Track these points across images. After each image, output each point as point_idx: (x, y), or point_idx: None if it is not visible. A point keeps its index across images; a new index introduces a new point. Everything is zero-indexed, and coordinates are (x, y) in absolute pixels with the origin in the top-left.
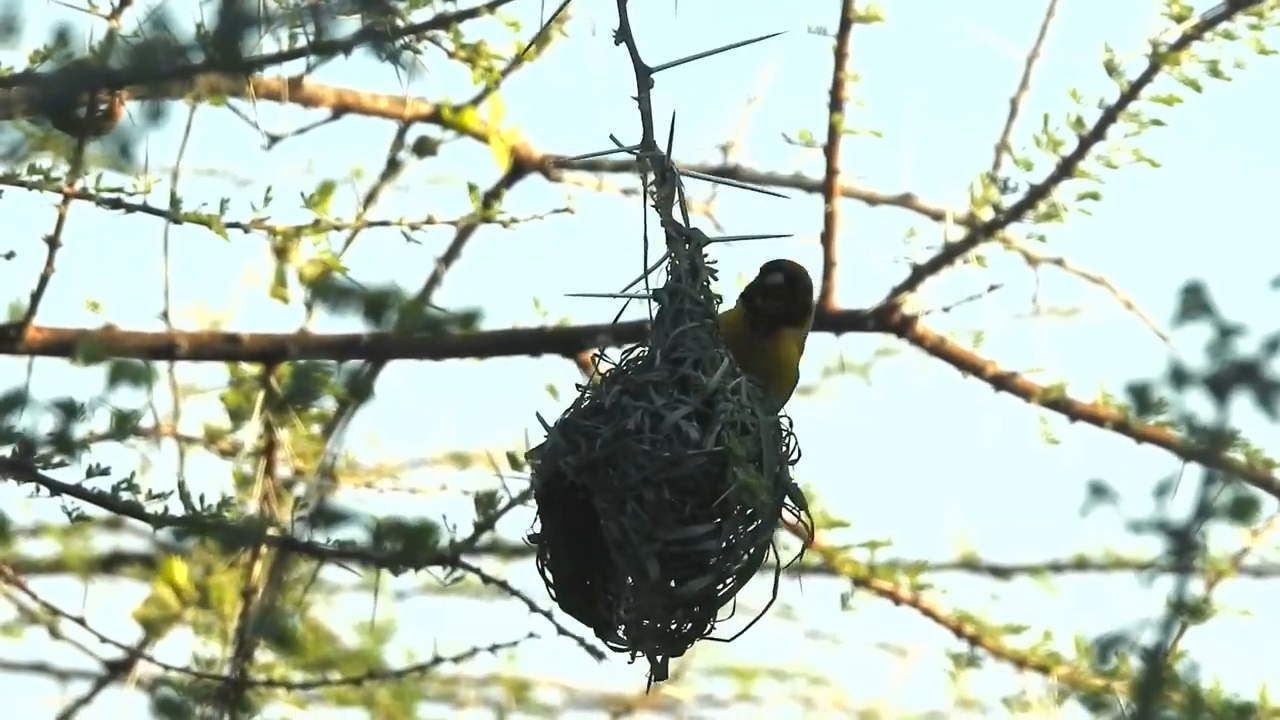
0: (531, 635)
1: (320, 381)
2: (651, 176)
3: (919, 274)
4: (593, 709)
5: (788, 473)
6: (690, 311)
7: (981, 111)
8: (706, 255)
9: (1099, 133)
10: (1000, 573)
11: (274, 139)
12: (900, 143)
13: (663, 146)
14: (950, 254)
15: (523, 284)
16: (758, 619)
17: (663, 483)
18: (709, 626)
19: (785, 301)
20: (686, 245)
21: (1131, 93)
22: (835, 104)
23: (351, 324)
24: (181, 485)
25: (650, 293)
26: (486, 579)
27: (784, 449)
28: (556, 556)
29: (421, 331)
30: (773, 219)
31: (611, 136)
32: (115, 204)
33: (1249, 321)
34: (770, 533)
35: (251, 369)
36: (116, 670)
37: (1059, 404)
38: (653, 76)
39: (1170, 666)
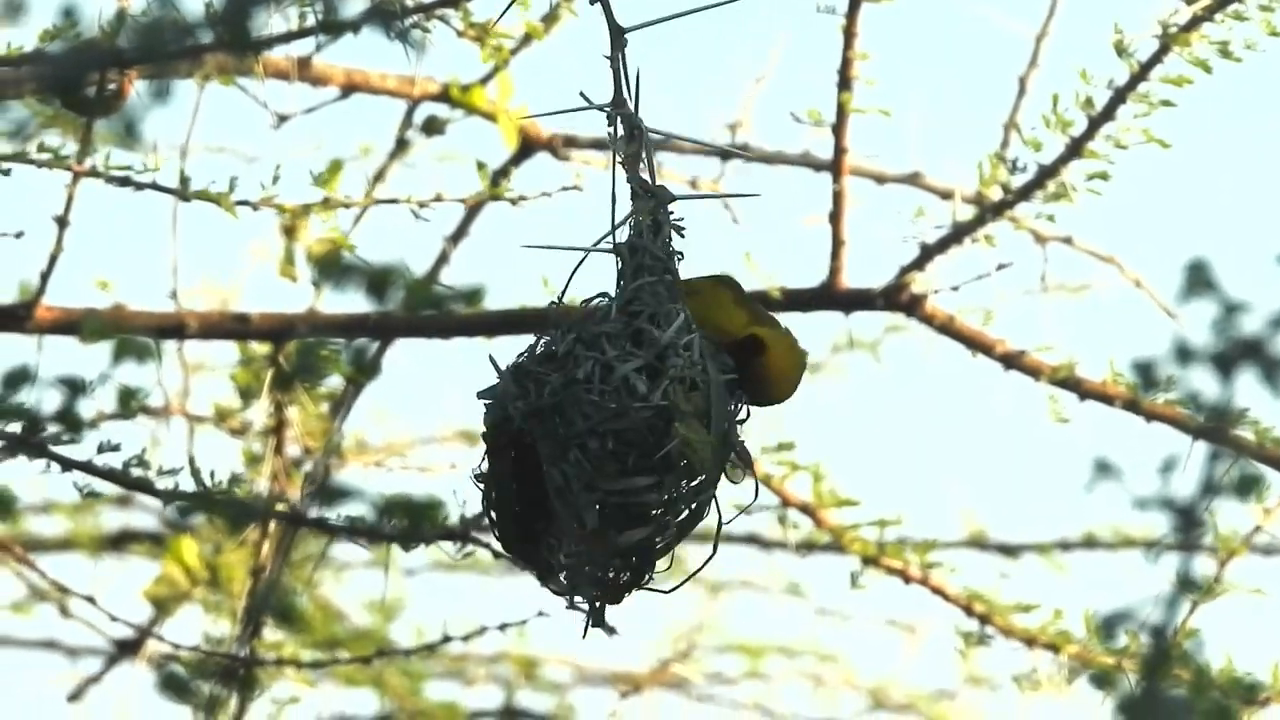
0: (541, 614)
1: (326, 359)
2: (620, 133)
3: (928, 253)
4: (602, 686)
5: (735, 432)
6: (650, 267)
7: (990, 90)
8: (672, 213)
9: (1108, 113)
10: (1009, 551)
11: (282, 118)
12: (909, 121)
13: (632, 106)
14: (959, 233)
15: (531, 263)
16: (695, 573)
17: (607, 433)
18: (646, 577)
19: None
20: (651, 202)
21: (1141, 73)
22: (844, 83)
23: (360, 303)
24: (192, 461)
25: (611, 247)
26: (497, 553)
27: (733, 408)
28: (502, 498)
29: (428, 309)
30: (778, 195)
31: (581, 94)
32: (124, 182)
33: (1256, 299)
34: (713, 490)
35: (261, 348)
36: (126, 648)
37: (1068, 382)
38: (626, 36)
39: (1177, 644)
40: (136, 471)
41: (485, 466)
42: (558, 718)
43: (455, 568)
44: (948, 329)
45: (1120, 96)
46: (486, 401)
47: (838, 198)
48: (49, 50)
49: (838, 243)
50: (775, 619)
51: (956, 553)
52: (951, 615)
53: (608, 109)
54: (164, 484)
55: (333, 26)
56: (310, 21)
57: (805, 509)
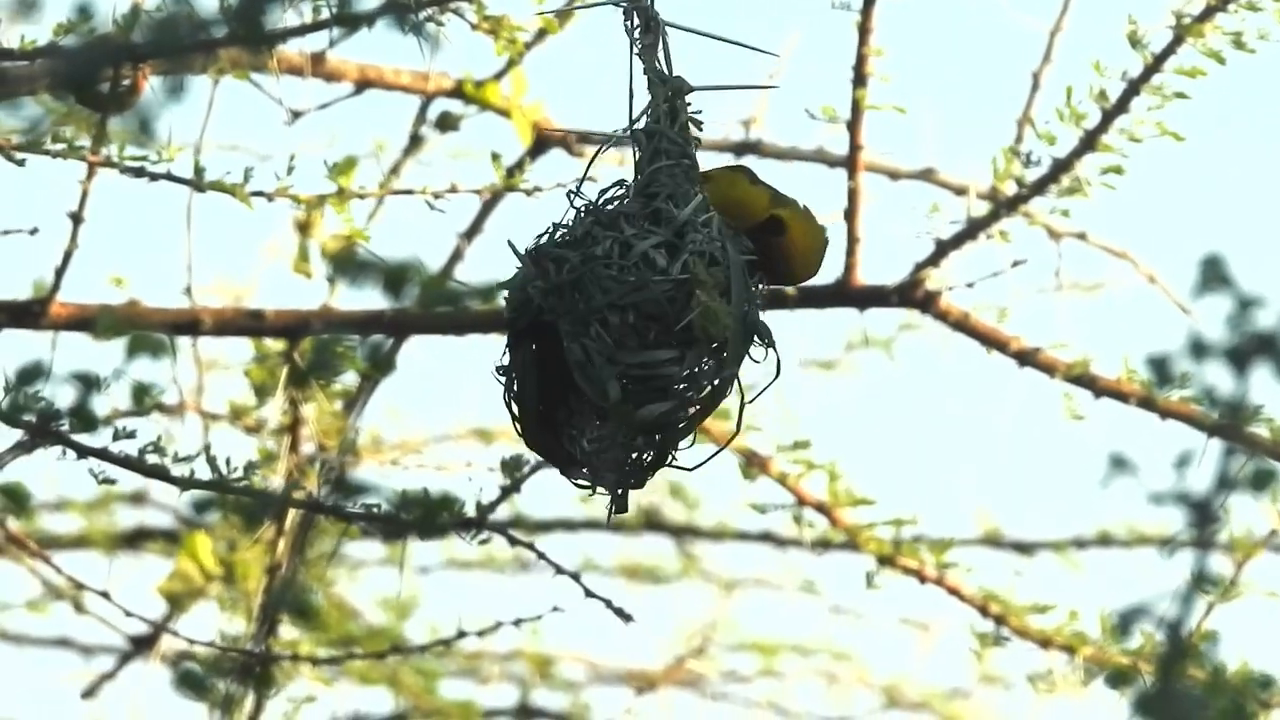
0: (556, 609)
1: (341, 355)
2: (637, 24)
3: (942, 249)
4: (617, 684)
5: (755, 311)
6: (667, 150)
7: (1004, 85)
8: (689, 104)
9: (1122, 106)
10: (1023, 549)
11: (296, 114)
12: (923, 117)
13: None
14: (973, 229)
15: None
16: (721, 450)
17: (627, 307)
18: (670, 456)
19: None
20: (667, 92)
21: (1155, 65)
22: (859, 79)
23: (374, 299)
24: (208, 449)
25: (629, 132)
26: (514, 540)
27: (753, 288)
28: (524, 389)
29: (443, 305)
30: (797, 193)
31: None
32: (139, 172)
33: (1271, 294)
34: (735, 367)
35: (275, 345)
36: (141, 645)
37: (1083, 379)
38: None
39: (1193, 642)
40: (152, 459)
41: (506, 359)
42: (573, 716)
43: (469, 565)
44: (962, 326)
45: (1134, 88)
46: (506, 293)
47: (852, 194)
48: (62, 45)
49: (852, 239)
50: (789, 617)
51: (971, 551)
52: (966, 614)
53: (623, 3)
54: (180, 472)
55: (347, 21)
56: (324, 16)
57: (820, 508)
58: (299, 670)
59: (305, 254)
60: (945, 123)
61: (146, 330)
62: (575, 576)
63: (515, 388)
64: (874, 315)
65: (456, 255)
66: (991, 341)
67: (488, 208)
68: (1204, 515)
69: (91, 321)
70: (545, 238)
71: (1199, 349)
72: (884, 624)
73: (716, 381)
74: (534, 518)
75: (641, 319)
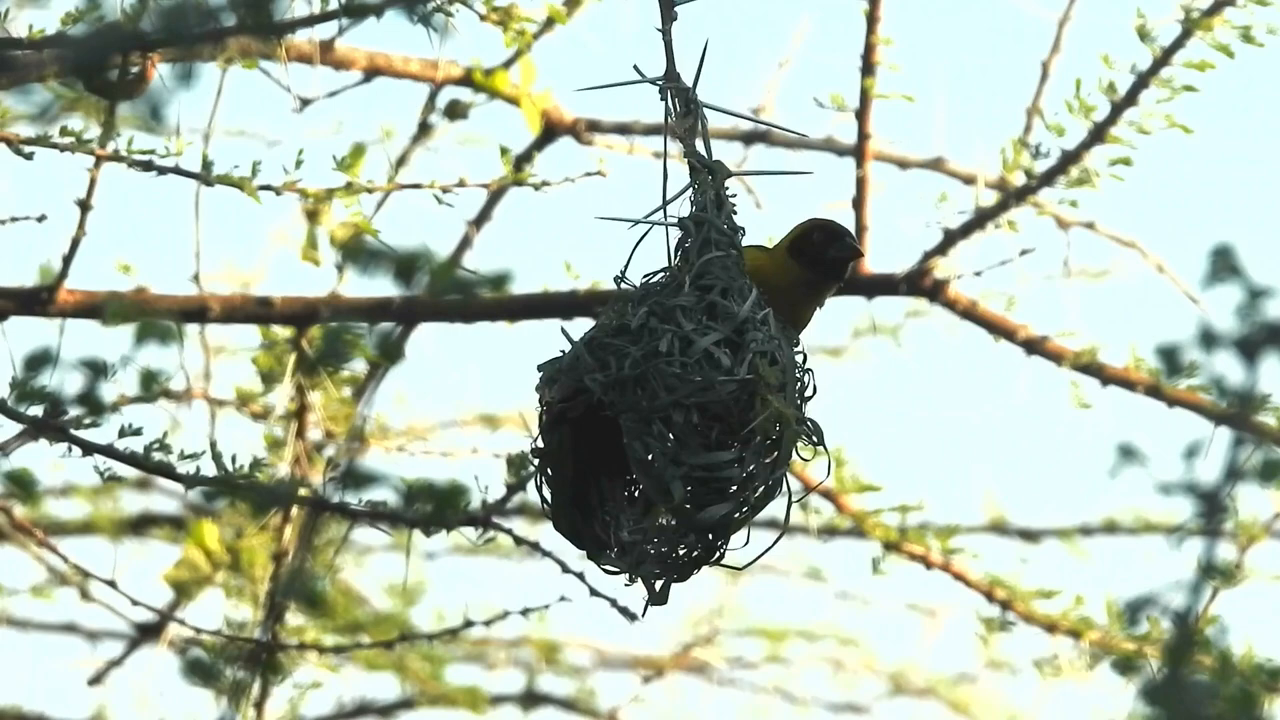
0: (563, 599)
1: (349, 343)
2: (675, 107)
3: (951, 238)
4: (623, 670)
5: (804, 408)
6: (716, 241)
7: (1013, 76)
8: (728, 189)
9: (1131, 98)
10: (1030, 536)
11: (305, 102)
12: (932, 107)
13: (688, 79)
14: (982, 218)
15: (554, 247)
16: (769, 549)
17: (692, 407)
18: (719, 554)
19: (845, 268)
20: (710, 177)
21: (1164, 58)
22: (867, 68)
23: (383, 287)
24: (214, 445)
25: (676, 220)
26: (519, 540)
27: (802, 384)
28: (558, 474)
29: (451, 293)
30: (804, 182)
31: (635, 67)
32: (148, 166)
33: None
34: (786, 466)
35: (283, 332)
36: (147, 633)
37: (1091, 368)
38: (676, 9)
39: (1200, 629)
40: (158, 456)
41: (540, 441)
42: (579, 702)
43: (475, 552)
44: (970, 314)
45: (1143, 81)
46: (548, 376)
47: (861, 183)
48: (71, 33)
49: (861, 228)
50: (796, 603)
51: (977, 537)
52: (972, 600)
53: (660, 82)
54: (186, 468)
55: (356, 10)
56: (333, 5)
57: (827, 494)
58: (306, 658)
59: (314, 242)
60: (954, 112)
61: (154, 317)
62: (580, 575)
63: (550, 471)
64: (882, 303)
65: (465, 243)
66: (999, 330)
67: (496, 196)
68: (1212, 505)
69: (99, 308)
70: (596, 329)
71: (1209, 339)
72: (890, 610)
73: (769, 482)
74: (540, 506)
75: (705, 419)
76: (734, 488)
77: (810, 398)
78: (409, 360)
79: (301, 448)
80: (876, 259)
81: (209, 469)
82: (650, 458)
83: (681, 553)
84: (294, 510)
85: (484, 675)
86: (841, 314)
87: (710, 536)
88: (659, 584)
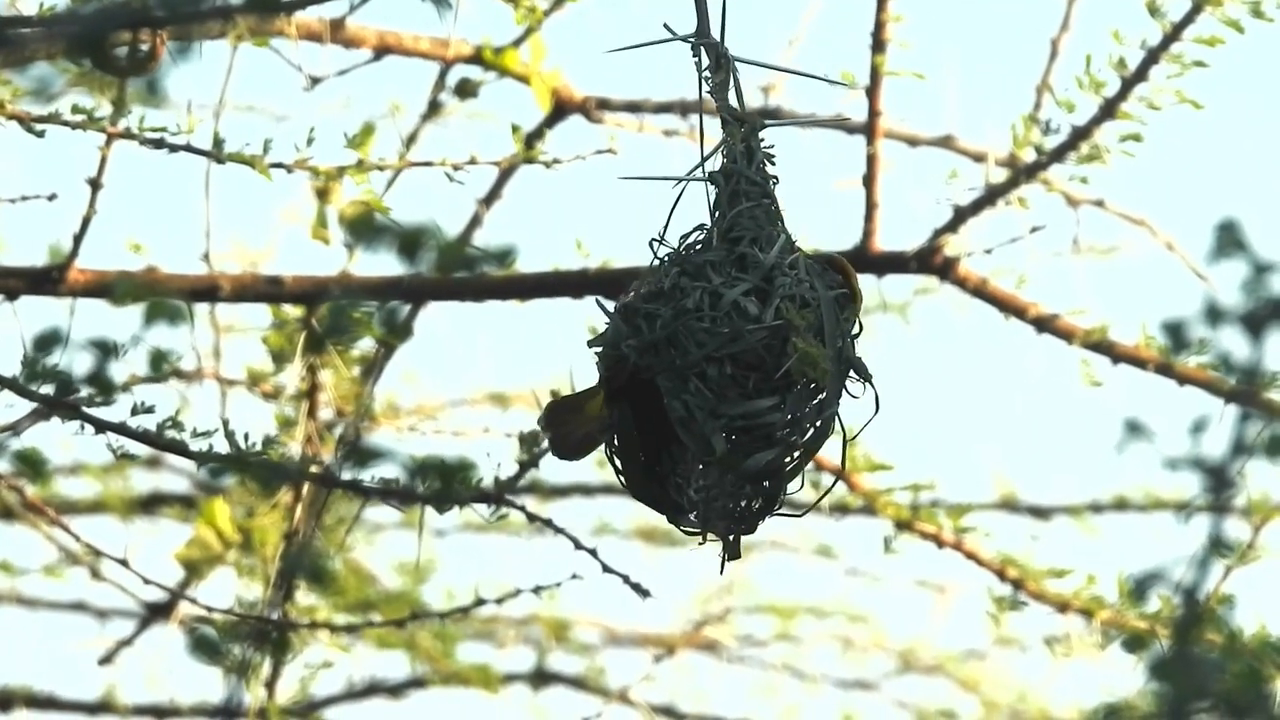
0: (575, 576)
1: (359, 321)
2: (706, 63)
3: (961, 216)
4: (633, 647)
5: (850, 346)
6: (746, 192)
7: (1022, 52)
8: (763, 140)
9: (1141, 74)
10: (1040, 513)
11: (315, 80)
12: (942, 83)
13: (716, 34)
14: (992, 196)
15: (565, 226)
16: (825, 494)
17: (724, 358)
18: (779, 502)
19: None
20: (741, 129)
21: (1174, 34)
22: (878, 46)
23: (390, 263)
24: (226, 423)
25: (706, 175)
26: (531, 516)
27: (845, 323)
28: (625, 445)
29: (460, 271)
30: (815, 160)
31: (665, 25)
32: (159, 144)
33: None
34: (835, 406)
35: (294, 311)
36: (158, 611)
37: (1101, 346)
38: None
39: (1209, 606)
40: (170, 433)
41: (606, 417)
42: (589, 680)
43: (485, 529)
44: (981, 292)
45: (1153, 57)
46: (598, 350)
47: (871, 161)
48: (78, 10)
49: (871, 206)
50: (805, 580)
51: (987, 515)
52: (983, 577)
53: (692, 39)
54: (198, 446)
55: None
56: None
57: (838, 473)
58: (316, 636)
59: (324, 220)
60: (964, 89)
61: (165, 296)
62: (593, 552)
63: (617, 443)
64: (892, 281)
65: (475, 221)
66: (1010, 307)
67: (506, 174)
68: (1220, 480)
69: (110, 288)
70: (632, 294)
71: (1214, 314)
72: (900, 587)
73: (819, 423)
74: (551, 483)
75: (739, 369)
76: (779, 433)
77: (857, 335)
78: (419, 339)
79: (313, 427)
80: (887, 237)
81: (221, 447)
82: (690, 414)
83: (743, 505)
84: (305, 488)
85: (493, 653)
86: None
87: (766, 485)
88: (730, 538)
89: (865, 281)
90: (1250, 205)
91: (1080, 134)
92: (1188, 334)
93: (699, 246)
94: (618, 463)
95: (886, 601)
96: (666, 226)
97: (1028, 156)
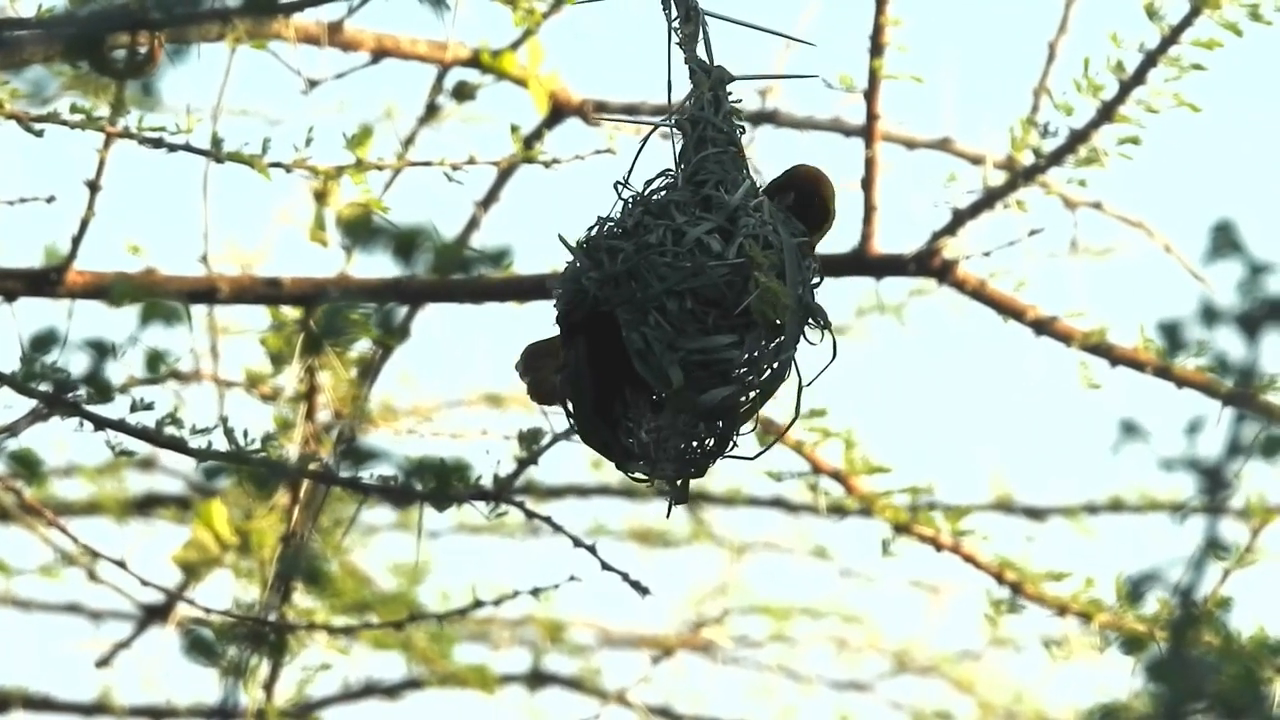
0: (573, 578)
1: (356, 323)
2: (675, 15)
3: (959, 218)
4: (628, 648)
5: (810, 293)
6: (713, 139)
7: (1020, 55)
8: (730, 94)
9: (1139, 77)
10: (1036, 514)
11: (313, 83)
12: (940, 87)
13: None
14: (990, 198)
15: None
16: (779, 437)
17: (685, 293)
18: (731, 443)
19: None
20: (707, 78)
21: (1172, 37)
22: (876, 48)
23: (386, 265)
24: (224, 420)
25: (672, 121)
26: (530, 514)
27: (806, 269)
28: (579, 384)
29: (457, 272)
30: (814, 162)
31: None
32: (157, 143)
33: None
34: (793, 349)
35: (292, 313)
36: (155, 613)
37: (1099, 348)
38: None
39: (1206, 607)
40: (170, 430)
41: (561, 357)
42: (584, 681)
43: (481, 530)
44: (979, 294)
45: (1151, 60)
46: (558, 290)
47: (869, 164)
48: (75, 12)
49: (869, 208)
50: (800, 581)
51: (983, 516)
52: (979, 579)
53: None
54: (196, 443)
55: None
56: None
57: (837, 476)
58: (313, 638)
59: (321, 222)
60: (962, 92)
61: (163, 298)
62: (592, 549)
63: (570, 382)
64: (890, 284)
65: (472, 223)
66: (1008, 310)
67: (504, 177)
68: (1215, 481)
69: (108, 289)
70: (595, 231)
71: (1210, 314)
72: (894, 588)
73: (775, 364)
74: (546, 484)
75: (700, 304)
76: (736, 371)
77: (817, 284)
78: (417, 341)
79: (311, 429)
80: (886, 239)
81: (220, 444)
82: (648, 346)
83: (695, 446)
84: (302, 489)
85: (488, 654)
86: (850, 296)
87: (720, 424)
88: (679, 480)
89: (864, 284)
90: (1247, 207)
91: (1078, 137)
92: (1184, 335)
93: (664, 192)
94: (569, 405)
95: (881, 602)
96: (631, 170)
97: (1026, 159)
